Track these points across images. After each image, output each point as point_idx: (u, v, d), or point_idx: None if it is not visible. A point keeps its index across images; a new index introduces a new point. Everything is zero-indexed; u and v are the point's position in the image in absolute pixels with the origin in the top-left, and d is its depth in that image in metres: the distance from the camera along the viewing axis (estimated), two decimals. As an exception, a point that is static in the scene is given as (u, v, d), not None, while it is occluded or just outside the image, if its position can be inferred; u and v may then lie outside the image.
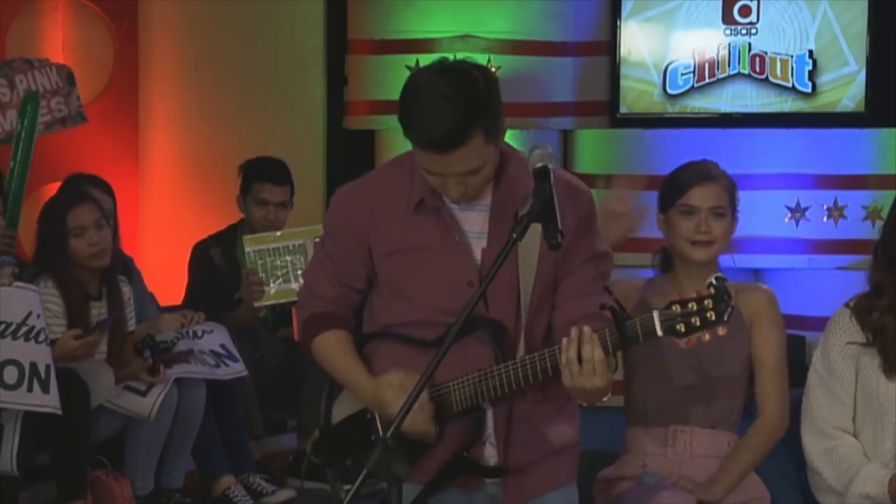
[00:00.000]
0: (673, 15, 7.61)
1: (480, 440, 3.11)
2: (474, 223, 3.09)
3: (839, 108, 7.50)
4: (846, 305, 3.64)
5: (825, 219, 7.31)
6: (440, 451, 3.09)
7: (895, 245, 3.56)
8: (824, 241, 7.30)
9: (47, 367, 4.80)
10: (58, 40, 6.85)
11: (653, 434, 3.83)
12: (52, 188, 6.12)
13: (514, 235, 2.84)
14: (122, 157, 7.03)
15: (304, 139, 7.69)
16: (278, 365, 6.08)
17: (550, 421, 3.16)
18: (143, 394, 5.17)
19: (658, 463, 3.81)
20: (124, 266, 5.59)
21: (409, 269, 3.10)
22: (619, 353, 3.02)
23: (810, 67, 7.50)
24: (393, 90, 7.46)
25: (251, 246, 5.83)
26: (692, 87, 7.61)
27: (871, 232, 7.02)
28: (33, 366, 4.78)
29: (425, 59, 7.50)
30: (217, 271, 6.07)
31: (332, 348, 3.17)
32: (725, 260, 3.92)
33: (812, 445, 3.64)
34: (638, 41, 7.66)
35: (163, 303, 5.98)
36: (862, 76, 7.45)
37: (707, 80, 7.59)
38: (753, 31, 7.54)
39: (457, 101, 2.91)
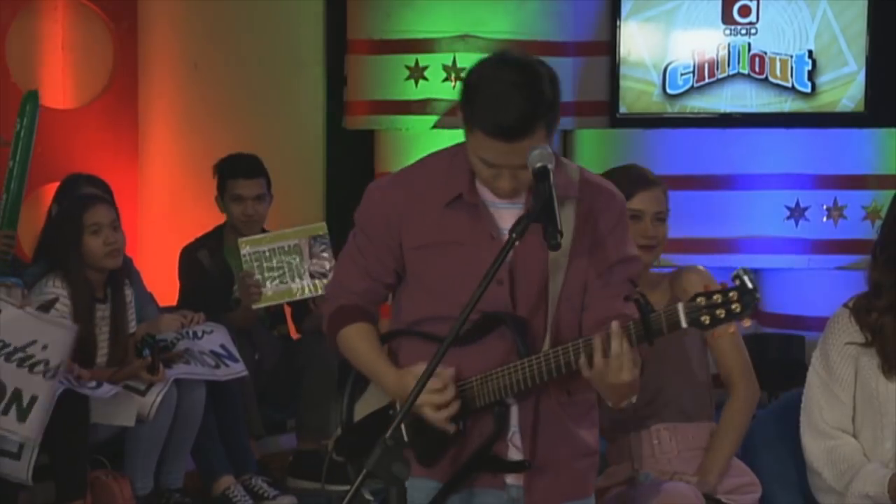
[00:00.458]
0: (672, 15, 7.62)
1: (504, 437, 3.09)
2: (509, 220, 3.06)
3: (839, 108, 7.51)
4: (845, 306, 3.64)
5: (825, 219, 7.32)
6: (462, 447, 3.08)
7: (894, 245, 3.56)
8: (824, 241, 7.31)
9: (33, 398, 4.73)
10: (57, 40, 6.84)
11: (637, 440, 3.85)
12: (51, 188, 6.11)
13: (514, 235, 2.84)
14: (122, 157, 7.01)
15: (303, 139, 7.69)
16: (276, 365, 6.07)
17: (576, 423, 3.15)
18: (143, 393, 5.17)
19: (649, 465, 3.83)
20: (124, 266, 5.58)
21: (438, 263, 3.09)
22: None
23: (810, 67, 7.50)
24: (392, 90, 7.59)
25: (247, 248, 5.81)
26: (692, 87, 7.62)
27: (870, 232, 7.02)
28: (17, 392, 4.72)
29: (425, 60, 7.59)
30: (206, 273, 6.04)
31: (358, 340, 3.16)
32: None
33: (812, 445, 3.63)
34: (637, 41, 7.67)
35: (162, 303, 5.97)
36: (861, 76, 7.46)
37: (707, 80, 7.60)
38: (753, 31, 7.54)
39: (526, 90, 2.90)
